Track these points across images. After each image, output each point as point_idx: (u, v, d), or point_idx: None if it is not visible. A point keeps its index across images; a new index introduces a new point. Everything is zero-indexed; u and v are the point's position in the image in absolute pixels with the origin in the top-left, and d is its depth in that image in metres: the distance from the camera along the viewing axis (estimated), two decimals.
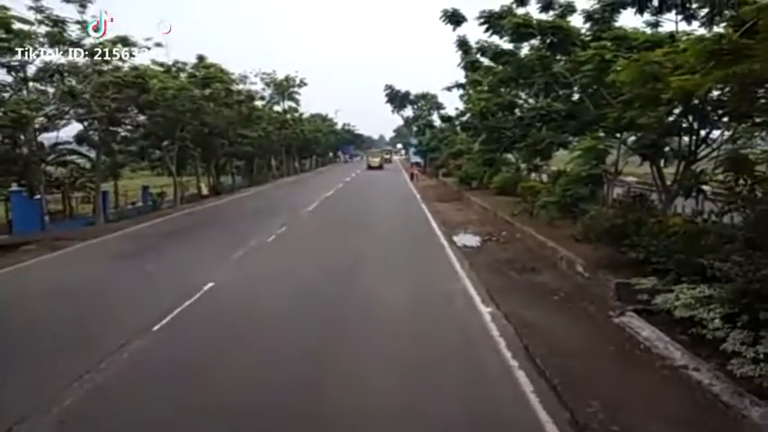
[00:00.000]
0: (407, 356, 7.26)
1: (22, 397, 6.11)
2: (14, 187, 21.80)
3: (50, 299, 10.69)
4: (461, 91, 31.60)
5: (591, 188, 12.93)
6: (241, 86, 38.40)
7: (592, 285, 10.21)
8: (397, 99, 57.47)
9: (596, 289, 9.92)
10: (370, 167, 69.26)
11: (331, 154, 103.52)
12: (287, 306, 9.68)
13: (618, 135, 13.35)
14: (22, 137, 20.24)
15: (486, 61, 19.64)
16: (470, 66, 20.28)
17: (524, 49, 16.83)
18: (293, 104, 57.70)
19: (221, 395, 6.15)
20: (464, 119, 26.62)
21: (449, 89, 31.97)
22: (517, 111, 19.09)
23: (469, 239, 16.60)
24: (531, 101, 19.25)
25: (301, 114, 61.42)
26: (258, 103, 44.90)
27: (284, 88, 54.63)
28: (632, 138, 13.20)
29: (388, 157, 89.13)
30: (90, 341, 7.92)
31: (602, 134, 13.59)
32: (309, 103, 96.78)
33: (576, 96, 15.86)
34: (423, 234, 17.95)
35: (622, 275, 9.44)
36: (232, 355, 7.45)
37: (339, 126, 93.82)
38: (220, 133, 33.95)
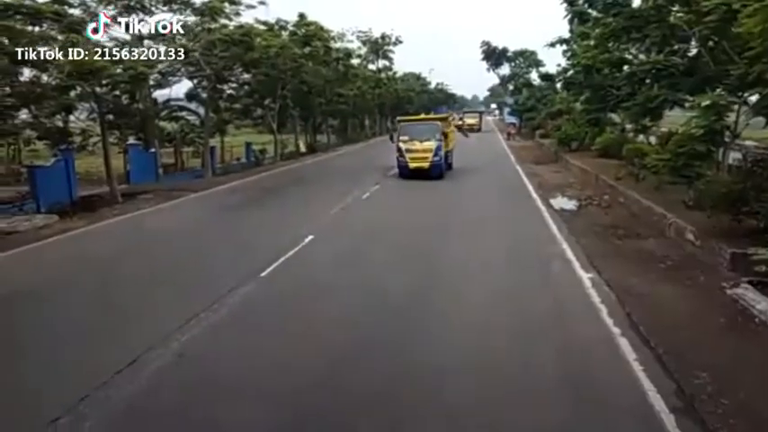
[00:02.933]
0: (505, 317, 7.21)
1: (144, 332, 6.68)
2: (131, 140, 23.64)
3: (169, 243, 12.11)
4: (564, 47, 30.21)
5: (708, 146, 11.83)
6: (338, 44, 38.74)
7: (703, 254, 9.57)
8: (493, 56, 55.56)
9: (708, 258, 9.30)
10: (404, 168, 21.16)
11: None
12: (383, 260, 9.98)
13: (740, 94, 12.21)
14: (139, 93, 21.68)
15: (594, 13, 18.48)
16: (578, 16, 19.16)
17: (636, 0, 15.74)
18: (387, 63, 57.65)
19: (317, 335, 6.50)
20: (567, 74, 25.32)
21: (552, 45, 30.82)
22: (626, 67, 17.91)
23: (568, 203, 16.03)
24: (642, 56, 17.97)
25: (395, 73, 61.18)
26: (354, 62, 45.11)
27: (379, 47, 54.46)
28: (755, 97, 12.03)
29: (474, 121, 60.56)
30: (206, 282, 8.74)
31: (721, 92, 12.45)
32: (403, 63, 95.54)
33: (694, 51, 14.64)
34: (517, 196, 17.54)
35: (738, 245, 8.76)
36: (328, 297, 8.01)
37: (432, 86, 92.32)
38: (318, 92, 34.59)
